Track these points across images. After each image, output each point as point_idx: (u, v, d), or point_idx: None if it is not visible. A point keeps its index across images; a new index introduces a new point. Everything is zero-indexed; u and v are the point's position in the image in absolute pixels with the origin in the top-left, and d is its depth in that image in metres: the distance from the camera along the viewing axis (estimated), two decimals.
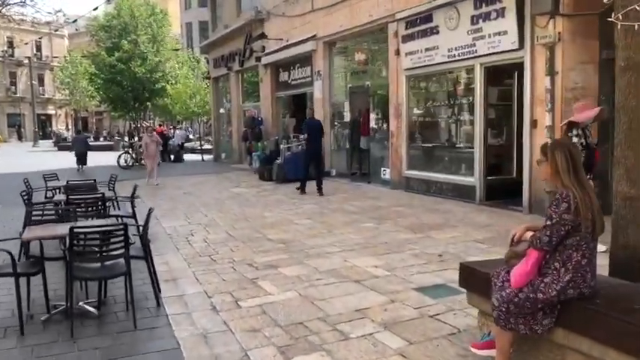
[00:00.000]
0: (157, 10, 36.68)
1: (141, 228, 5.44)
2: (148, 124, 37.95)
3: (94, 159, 24.66)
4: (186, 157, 26.83)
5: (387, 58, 12.53)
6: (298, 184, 12.74)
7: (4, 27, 40.61)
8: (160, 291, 5.54)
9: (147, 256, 5.29)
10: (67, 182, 8.91)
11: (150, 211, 5.60)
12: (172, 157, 25.55)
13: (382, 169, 13.10)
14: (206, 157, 26.64)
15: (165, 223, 9.60)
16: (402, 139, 12.13)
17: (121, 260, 4.76)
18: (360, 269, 6.26)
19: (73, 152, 22.33)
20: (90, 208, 7.29)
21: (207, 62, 29.07)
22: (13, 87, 58.34)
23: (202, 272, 6.42)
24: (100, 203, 7.33)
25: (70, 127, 60.88)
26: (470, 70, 10.33)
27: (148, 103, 36.36)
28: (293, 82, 17.57)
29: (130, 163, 22.13)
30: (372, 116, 13.66)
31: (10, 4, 19.40)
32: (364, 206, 10.62)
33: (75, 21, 25.84)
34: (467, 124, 10.88)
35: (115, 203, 8.55)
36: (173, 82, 33.92)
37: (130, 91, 33.91)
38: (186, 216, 10.37)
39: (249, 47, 19.51)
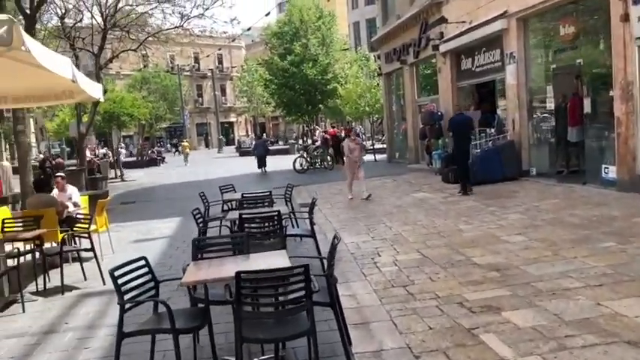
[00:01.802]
0: (325, 12, 36.64)
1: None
2: (319, 128, 38.30)
3: (272, 163, 25.07)
4: None
5: (607, 28, 10.01)
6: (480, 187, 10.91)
7: (190, 43, 43.89)
8: (350, 344, 4.22)
9: (334, 302, 3.98)
10: (242, 195, 8.16)
11: (335, 241, 4.28)
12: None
13: (603, 166, 10.52)
14: (378, 157, 25.48)
15: (347, 238, 8.38)
16: (634, 128, 9.53)
17: (303, 314, 3.51)
18: (629, 320, 4.32)
19: (255, 156, 23.96)
20: (265, 224, 6.35)
21: (378, 58, 27.98)
22: (200, 98, 63.60)
23: (400, 313, 5.00)
24: (275, 220, 6.32)
25: (249, 133, 64.57)
26: None
27: (320, 106, 36.43)
28: (478, 70, 15.49)
29: (305, 167, 21.79)
30: (586, 101, 11.09)
31: (190, 17, 20.15)
32: (590, 216, 8.34)
33: (249, 29, 26.49)
34: None
35: (293, 219, 7.53)
36: (343, 82, 33.53)
37: (302, 94, 34.26)
38: (368, 229, 9.08)
39: (425, 36, 17.82)
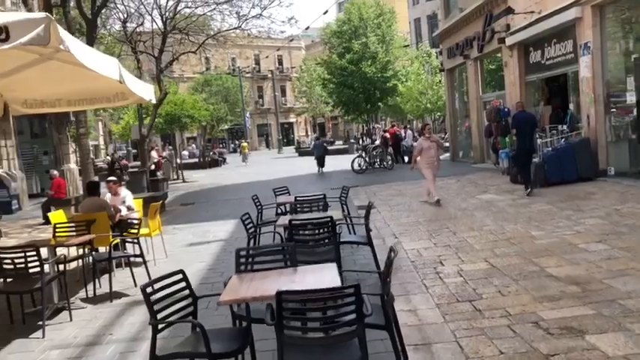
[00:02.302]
0: (386, 9, 35.99)
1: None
2: (378, 126, 37.67)
3: (331, 163, 24.75)
4: None
5: None
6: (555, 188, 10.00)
7: (249, 45, 44.25)
8: None
9: (390, 325, 3.51)
10: (295, 199, 7.78)
11: (392, 254, 3.79)
12: (406, 158, 24.10)
13: None
14: (440, 155, 24.55)
15: (407, 244, 7.86)
16: None
17: (353, 333, 3.06)
18: None
19: (314, 156, 24.09)
20: (317, 231, 5.95)
21: (439, 54, 27.12)
22: (261, 99, 64.22)
23: (466, 333, 4.46)
24: (329, 225, 5.90)
25: (309, 133, 64.65)
26: None
27: (380, 104, 35.80)
28: (548, 63, 14.49)
29: (364, 167, 21.28)
30: None
31: (248, 18, 20.08)
32: None
33: (307, 28, 26.20)
34: None
35: (350, 225, 7.09)
36: (404, 79, 32.80)
37: (361, 92, 33.76)
38: (430, 234, 8.49)
39: (490, 28, 16.94)
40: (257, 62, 58.60)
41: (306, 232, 5.90)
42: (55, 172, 14.66)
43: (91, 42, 13.86)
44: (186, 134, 45.21)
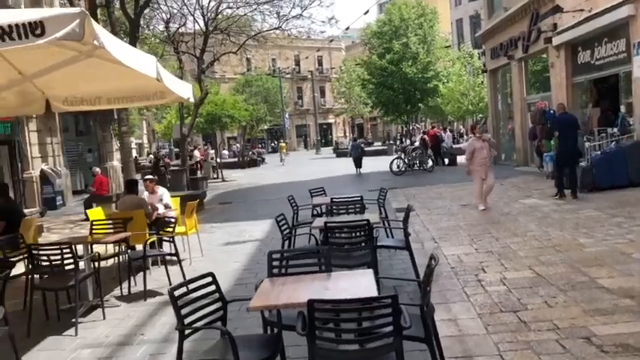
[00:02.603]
0: (428, 10, 35.47)
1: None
2: (418, 126, 37.18)
3: (369, 164, 24.51)
4: (460, 159, 24.52)
5: None
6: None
7: (290, 46, 44.45)
8: None
9: (430, 338, 3.30)
10: (331, 200, 7.60)
11: (432, 262, 3.56)
12: (446, 160, 23.63)
13: None
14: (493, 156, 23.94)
15: (447, 250, 7.59)
16: None
17: (390, 346, 2.86)
18: None
19: (351, 158, 24.12)
20: (354, 234, 5.76)
21: (482, 55, 26.52)
22: (300, 100, 64.39)
23: (510, 346, 4.20)
24: (366, 228, 5.70)
25: (347, 134, 64.43)
26: None
27: (420, 105, 35.30)
28: (597, 63, 13.89)
29: (403, 169, 20.94)
30: None
31: (288, 18, 20.05)
32: None
33: (347, 28, 25.99)
34: None
35: (388, 229, 6.88)
36: (445, 80, 32.22)
37: (401, 93, 33.36)
38: (471, 239, 8.18)
39: (536, 28, 16.38)
40: (297, 63, 58.80)
41: (342, 234, 5.72)
42: (97, 170, 14.92)
43: (133, 42, 14.06)
44: (226, 134, 45.68)
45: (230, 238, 10.26)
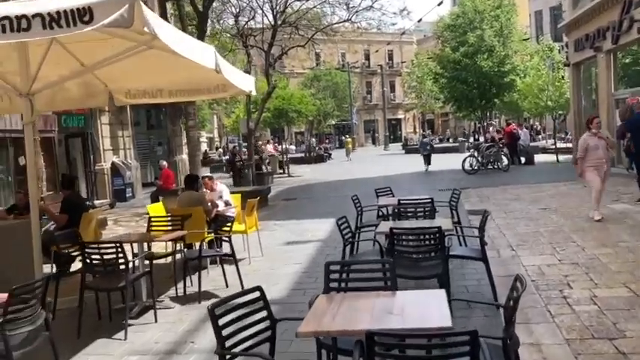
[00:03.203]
0: (505, 1, 33.86)
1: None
2: (493, 123, 35.62)
3: (440, 162, 23.68)
4: (537, 158, 23.20)
5: None
6: None
7: (360, 40, 43.88)
8: None
9: None
10: (399, 201, 7.07)
11: (518, 285, 2.99)
12: (523, 159, 22.35)
13: None
14: (561, 157, 22.54)
15: (526, 259, 6.88)
16: None
17: None
18: None
19: (420, 154, 23.74)
20: (423, 242, 5.23)
21: (564, 47, 24.92)
22: (369, 95, 63.63)
23: None
24: (437, 236, 5.15)
25: (417, 129, 63.07)
26: None
27: (495, 100, 33.78)
28: None
29: (476, 168, 19.95)
30: None
31: (358, 10, 19.55)
32: None
33: (419, 20, 25.13)
34: None
35: (461, 237, 6.28)
36: (522, 75, 30.65)
37: (475, 87, 32.05)
38: (554, 248, 7.40)
39: (628, 17, 15.01)
40: (367, 57, 58.04)
41: (410, 242, 5.19)
42: (164, 163, 15.04)
43: (201, 36, 14.00)
44: (293, 129, 45.73)
45: (292, 237, 9.93)
